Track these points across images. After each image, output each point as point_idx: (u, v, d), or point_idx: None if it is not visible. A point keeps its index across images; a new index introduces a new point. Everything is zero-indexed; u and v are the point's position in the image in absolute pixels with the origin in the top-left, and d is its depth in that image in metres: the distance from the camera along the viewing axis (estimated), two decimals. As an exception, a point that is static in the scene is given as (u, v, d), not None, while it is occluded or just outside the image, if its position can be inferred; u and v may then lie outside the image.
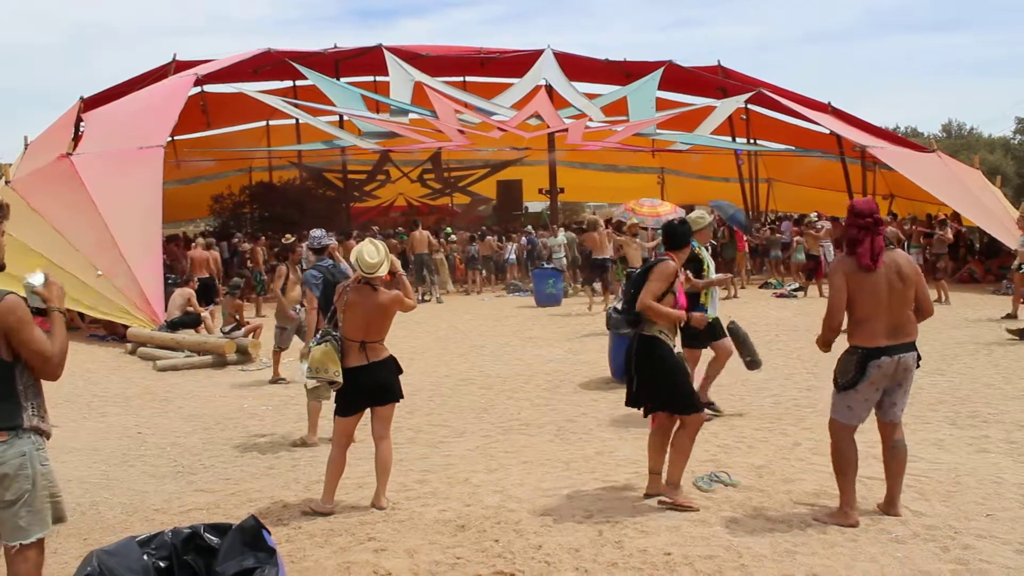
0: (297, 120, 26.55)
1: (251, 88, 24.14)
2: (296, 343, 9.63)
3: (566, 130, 23.73)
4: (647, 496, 5.40)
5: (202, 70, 21.55)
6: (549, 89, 25.97)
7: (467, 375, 10.37)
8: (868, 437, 5.35)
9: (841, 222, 20.60)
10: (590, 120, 24.47)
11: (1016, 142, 50.30)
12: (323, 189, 29.96)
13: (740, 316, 14.41)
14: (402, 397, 5.70)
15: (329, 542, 4.94)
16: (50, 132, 18.64)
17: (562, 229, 22.75)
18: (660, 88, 25.67)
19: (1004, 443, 6.53)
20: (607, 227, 17.54)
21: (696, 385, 6.53)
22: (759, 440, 6.85)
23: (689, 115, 25.21)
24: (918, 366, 4.96)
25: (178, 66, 23.05)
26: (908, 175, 20.25)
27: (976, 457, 6.19)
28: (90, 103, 19.76)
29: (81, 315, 14.82)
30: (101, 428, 8.29)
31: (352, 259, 5.50)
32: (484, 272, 22.04)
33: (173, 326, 13.17)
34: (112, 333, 14.53)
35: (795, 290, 18.23)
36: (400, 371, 5.66)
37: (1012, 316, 13.10)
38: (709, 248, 7.98)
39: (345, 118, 24.62)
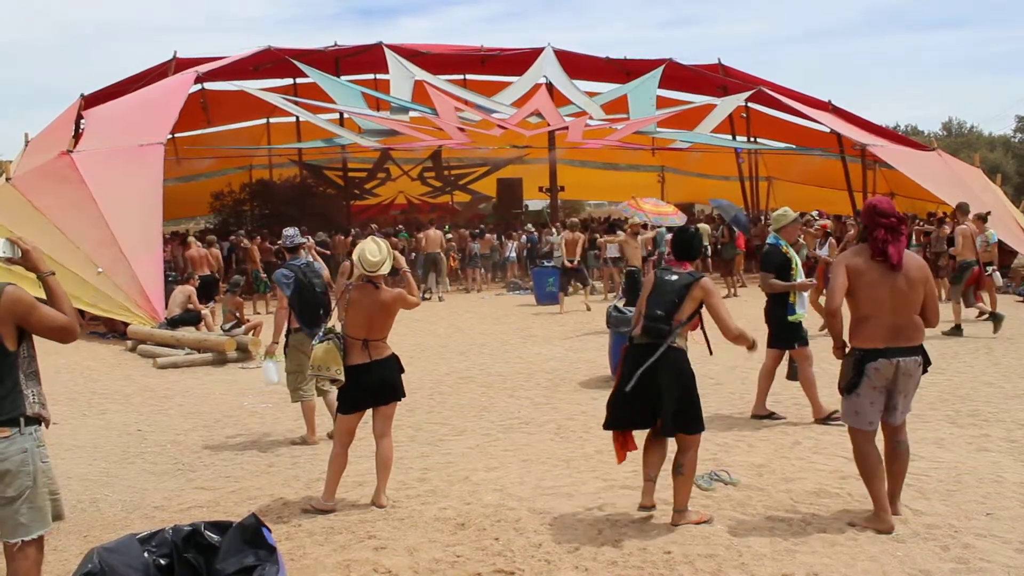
0: (297, 118, 26.56)
1: (251, 86, 24.15)
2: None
3: (566, 128, 23.74)
4: (643, 508, 5.12)
5: (202, 68, 21.55)
6: (549, 87, 25.99)
7: (467, 373, 10.37)
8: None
9: (844, 220, 20.72)
10: (590, 118, 24.48)
11: (1016, 140, 50.34)
12: (323, 187, 29.98)
13: (740, 315, 14.46)
14: (404, 395, 5.71)
15: (329, 540, 4.94)
16: (50, 129, 18.65)
17: (558, 227, 22.79)
18: (660, 86, 25.70)
19: (1004, 442, 6.53)
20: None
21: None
22: (759, 439, 6.85)
23: (689, 113, 25.22)
24: (925, 371, 4.86)
25: (179, 64, 23.05)
26: (908, 173, 20.27)
27: (976, 456, 6.19)
28: (90, 100, 19.77)
29: (81, 312, 14.82)
30: (101, 425, 8.29)
31: (354, 258, 5.49)
32: (483, 270, 22.03)
33: (173, 323, 13.16)
34: (112, 330, 14.54)
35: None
36: (402, 369, 5.66)
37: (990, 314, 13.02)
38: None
39: (345, 116, 24.64)
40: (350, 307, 5.50)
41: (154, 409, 9.01)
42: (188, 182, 28.71)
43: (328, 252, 15.10)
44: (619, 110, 25.07)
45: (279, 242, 10.56)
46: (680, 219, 17.27)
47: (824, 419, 7.21)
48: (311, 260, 7.64)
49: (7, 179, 15.28)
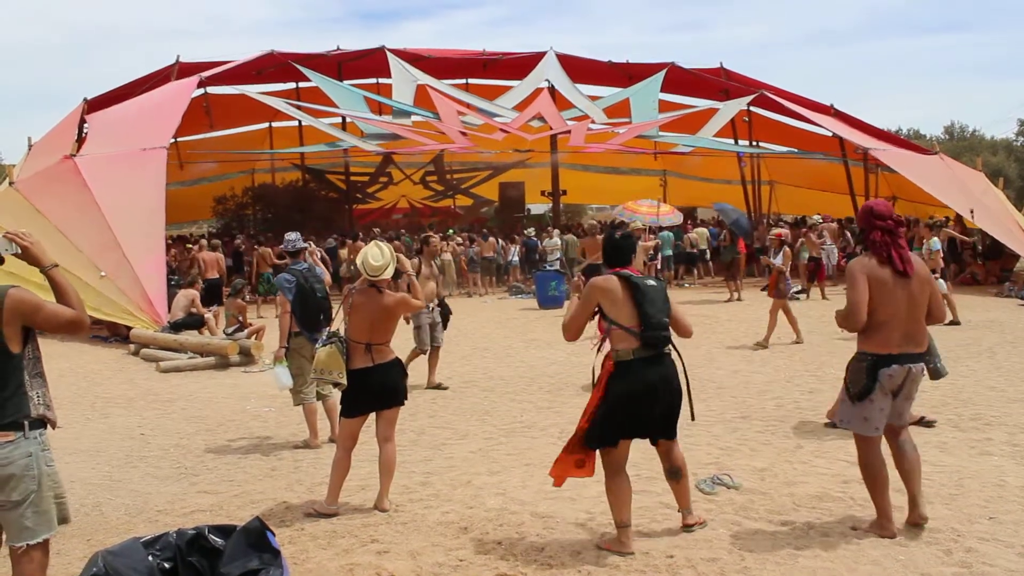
0: (300, 122, 26.63)
1: (254, 90, 24.20)
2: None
3: (568, 132, 23.76)
4: (623, 554, 4.61)
5: (205, 72, 21.59)
6: (552, 91, 26.02)
7: (470, 377, 10.38)
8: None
9: (846, 226, 20.74)
10: (592, 122, 24.50)
11: (1019, 144, 50.32)
12: (325, 191, 30.01)
13: (742, 319, 14.47)
14: (407, 399, 5.71)
15: (332, 544, 4.94)
16: (54, 133, 18.66)
17: (557, 231, 22.81)
18: (662, 90, 25.71)
19: (1007, 446, 6.53)
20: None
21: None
22: (761, 443, 6.85)
23: (691, 117, 25.22)
24: (938, 371, 4.83)
25: (181, 68, 23.08)
26: (910, 177, 20.24)
27: (979, 460, 6.19)
28: (94, 105, 19.79)
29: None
30: (104, 429, 8.30)
31: (357, 262, 5.51)
32: (480, 273, 22.01)
33: (176, 327, 13.18)
34: (115, 334, 14.56)
35: (797, 292, 18.21)
36: (406, 374, 5.67)
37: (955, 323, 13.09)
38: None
39: (348, 120, 24.66)
40: (353, 311, 5.51)
41: (157, 413, 9.02)
42: (191, 186, 28.75)
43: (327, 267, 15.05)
44: (621, 114, 25.10)
45: (281, 246, 10.53)
46: (676, 218, 17.28)
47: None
48: (312, 265, 7.67)
49: (10, 183, 15.29)
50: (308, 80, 24.72)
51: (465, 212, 32.63)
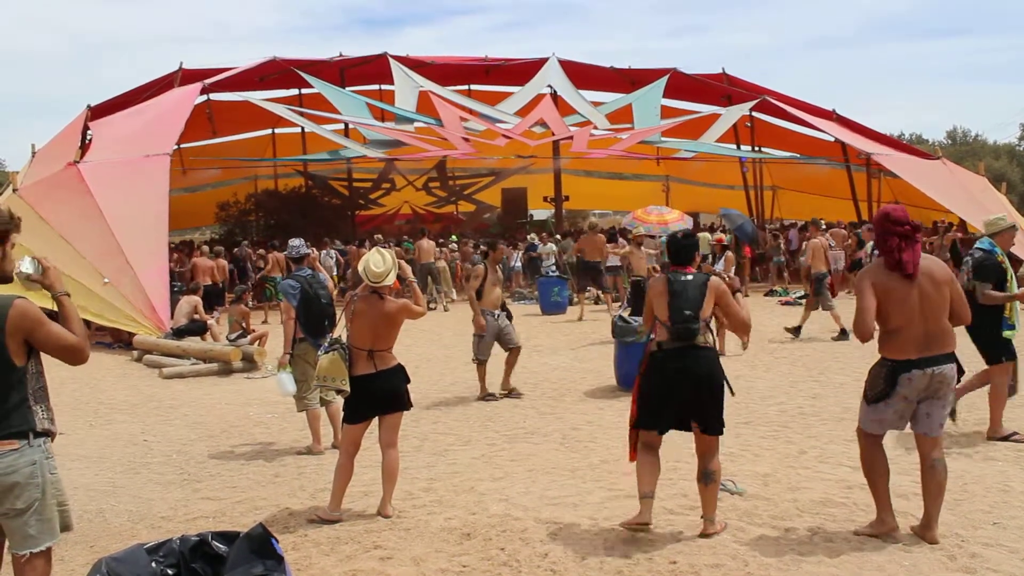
0: (303, 128, 26.66)
1: (257, 96, 24.23)
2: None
3: (571, 138, 23.77)
4: (637, 529, 4.91)
5: (208, 79, 21.64)
6: (554, 96, 26.05)
7: (473, 383, 10.37)
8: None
9: (852, 230, 20.71)
10: (595, 128, 24.52)
11: (1021, 148, 50.30)
12: (328, 197, 30.06)
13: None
14: (411, 406, 5.72)
15: (335, 550, 4.94)
16: (57, 141, 18.69)
17: (550, 237, 22.87)
18: (665, 96, 25.73)
19: (1011, 451, 6.51)
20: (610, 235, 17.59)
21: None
22: (765, 448, 6.84)
23: (694, 123, 25.24)
24: (959, 381, 4.74)
25: (184, 75, 23.14)
26: (913, 182, 20.21)
27: (983, 465, 6.17)
28: (97, 112, 19.84)
29: (87, 322, 14.85)
30: (107, 436, 8.31)
31: (359, 269, 5.51)
32: None
33: (179, 334, 13.19)
34: (118, 340, 14.57)
35: (800, 298, 18.19)
36: (408, 380, 5.67)
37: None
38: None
39: (350, 126, 24.70)
40: (355, 318, 5.52)
41: (160, 419, 9.03)
42: (194, 192, 28.84)
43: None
44: (624, 120, 25.11)
45: (285, 252, 10.53)
46: (685, 224, 17.30)
47: (1002, 438, 6.77)
48: (315, 271, 7.68)
49: (14, 190, 15.34)
50: (311, 87, 24.74)
51: (468, 218, 32.65)
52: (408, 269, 5.86)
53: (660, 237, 16.49)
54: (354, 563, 4.73)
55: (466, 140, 23.45)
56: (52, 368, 3.83)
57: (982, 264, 6.69)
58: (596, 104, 26.57)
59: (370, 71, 26.42)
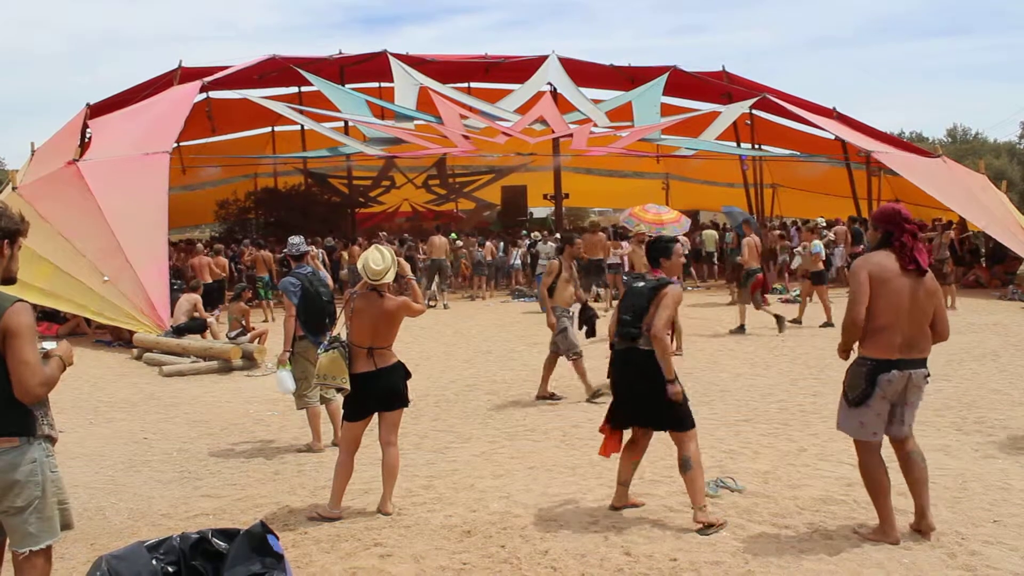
0: (302, 126, 26.65)
1: (256, 94, 24.22)
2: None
3: (571, 135, 23.75)
4: (614, 508, 5.37)
5: (208, 77, 21.63)
6: (554, 94, 26.04)
7: (473, 380, 10.38)
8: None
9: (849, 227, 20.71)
10: (595, 125, 24.50)
11: (1021, 147, 50.24)
12: (328, 195, 30.04)
13: (747, 323, 14.42)
14: (410, 403, 5.71)
15: (335, 548, 4.94)
16: (57, 139, 18.71)
17: (552, 235, 22.83)
18: (665, 93, 25.72)
19: (1011, 449, 6.52)
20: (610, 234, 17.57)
21: None
22: (765, 446, 6.85)
23: (694, 120, 25.22)
24: (926, 382, 4.78)
25: (184, 73, 23.13)
26: (913, 180, 20.22)
27: (983, 463, 6.18)
28: (96, 110, 19.84)
29: (87, 321, 14.87)
30: (107, 434, 8.31)
31: (358, 266, 5.51)
32: (486, 276, 22.03)
33: (179, 331, 13.19)
34: (118, 339, 14.57)
35: (798, 296, 18.18)
36: (408, 376, 5.67)
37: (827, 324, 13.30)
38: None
39: (350, 124, 24.68)
40: (354, 316, 5.51)
41: (160, 417, 9.03)
42: (194, 191, 28.80)
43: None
44: (624, 117, 25.10)
45: (284, 250, 10.49)
46: (682, 226, 17.26)
47: None
48: (315, 269, 7.68)
49: (13, 188, 15.32)
50: (310, 84, 24.73)
51: (467, 216, 32.64)
52: (407, 267, 5.85)
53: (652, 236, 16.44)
54: (354, 560, 4.74)
55: (466, 138, 23.44)
56: (52, 366, 3.82)
57: None
58: (596, 102, 26.55)
59: (370, 69, 26.40)
